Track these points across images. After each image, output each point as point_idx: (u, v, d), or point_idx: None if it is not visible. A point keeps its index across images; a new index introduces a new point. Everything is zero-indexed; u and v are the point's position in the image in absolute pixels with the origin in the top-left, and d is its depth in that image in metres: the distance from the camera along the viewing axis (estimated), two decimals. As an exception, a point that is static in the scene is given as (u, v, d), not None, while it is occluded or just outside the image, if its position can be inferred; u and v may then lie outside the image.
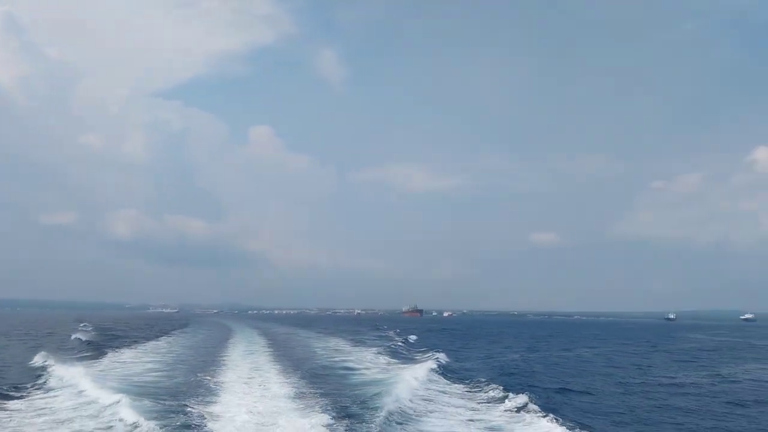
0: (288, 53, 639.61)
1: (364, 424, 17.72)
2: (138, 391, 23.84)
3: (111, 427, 17.74)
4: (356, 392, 24.59)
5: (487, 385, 27.47)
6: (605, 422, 20.82)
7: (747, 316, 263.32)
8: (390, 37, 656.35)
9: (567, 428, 17.74)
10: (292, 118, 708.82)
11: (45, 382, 26.79)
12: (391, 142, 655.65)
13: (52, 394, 23.83)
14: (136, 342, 54.08)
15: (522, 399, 22.33)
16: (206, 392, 23.74)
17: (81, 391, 23.54)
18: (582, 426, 18.46)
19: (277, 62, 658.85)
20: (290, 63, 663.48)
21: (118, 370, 32.31)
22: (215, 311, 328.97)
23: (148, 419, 17.50)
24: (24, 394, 23.62)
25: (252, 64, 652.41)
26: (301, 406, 20.81)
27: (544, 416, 19.29)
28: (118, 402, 20.29)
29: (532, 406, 20.95)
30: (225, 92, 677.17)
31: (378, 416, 18.66)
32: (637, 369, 39.51)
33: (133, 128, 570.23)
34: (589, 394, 27.67)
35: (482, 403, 23.41)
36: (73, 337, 58.72)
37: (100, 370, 31.22)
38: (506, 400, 22.91)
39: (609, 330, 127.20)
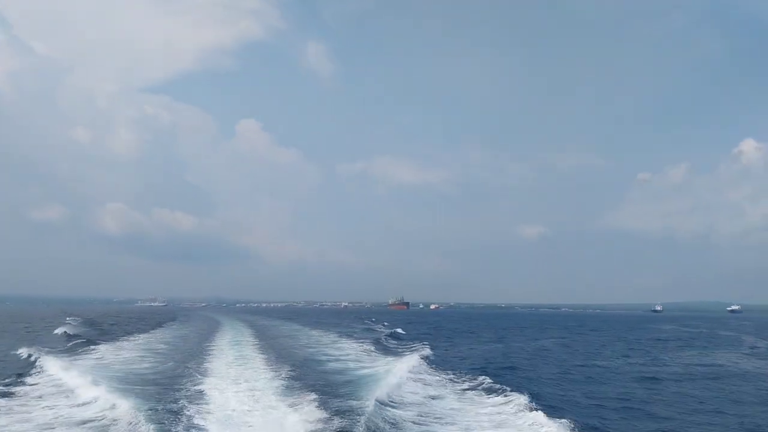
0: (276, 48, 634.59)
1: (352, 415, 17.84)
2: (125, 383, 23.92)
3: (97, 419, 17.77)
4: (344, 384, 24.79)
5: (471, 375, 28.11)
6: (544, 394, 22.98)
7: (733, 307, 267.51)
8: (377, 31, 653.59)
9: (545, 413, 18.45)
10: (280, 112, 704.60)
11: (30, 375, 26.68)
12: (378, 135, 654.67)
13: (36, 387, 23.74)
14: (123, 335, 53.99)
15: (509, 392, 23.03)
16: (194, 384, 23.85)
17: (66, 385, 23.54)
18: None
19: (265, 57, 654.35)
20: (278, 57, 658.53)
21: (104, 363, 32.28)
22: (203, 305, 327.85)
23: (136, 412, 17.55)
24: (8, 388, 23.44)
25: (240, 58, 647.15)
26: (289, 397, 20.94)
27: (531, 410, 19.41)
28: (105, 395, 20.32)
29: (518, 399, 21.32)
30: (213, 87, 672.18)
31: (366, 407, 18.78)
32: (586, 355, 43.51)
33: (121, 123, 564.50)
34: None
35: (467, 393, 23.83)
36: (59, 331, 58.37)
37: (86, 364, 31.16)
38: (492, 393, 23.41)
39: (587, 321, 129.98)
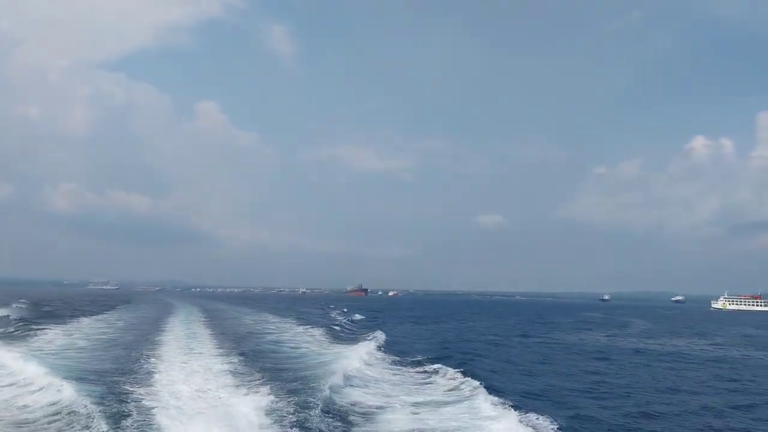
0: (237, 27, 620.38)
1: (307, 400, 17.88)
2: (73, 368, 23.48)
3: (43, 405, 17.43)
4: (299, 370, 24.86)
5: (423, 359, 29.06)
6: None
7: (677, 298, 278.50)
8: (341, 14, 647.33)
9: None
10: (239, 94, 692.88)
11: None
12: (339, 120, 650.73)
13: None
14: (73, 319, 52.60)
15: (457, 374, 23.99)
16: (145, 370, 23.50)
17: (11, 369, 22.95)
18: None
19: (225, 36, 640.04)
20: (239, 37, 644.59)
21: (52, 347, 31.55)
22: (157, 289, 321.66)
23: (83, 397, 17.26)
24: None
25: (199, 37, 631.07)
26: (243, 384, 20.83)
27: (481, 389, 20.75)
28: (52, 380, 19.93)
29: (469, 381, 22.46)
30: (171, 65, 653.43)
31: (321, 394, 18.89)
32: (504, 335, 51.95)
33: (74, 100, 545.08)
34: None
35: (419, 377, 24.45)
36: (5, 313, 56.46)
37: (33, 348, 30.44)
38: (443, 376, 24.23)
39: (528, 308, 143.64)
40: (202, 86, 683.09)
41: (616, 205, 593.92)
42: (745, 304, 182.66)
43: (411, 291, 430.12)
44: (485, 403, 18.75)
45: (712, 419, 19.40)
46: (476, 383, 21.79)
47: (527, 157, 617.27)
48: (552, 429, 15.68)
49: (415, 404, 19.22)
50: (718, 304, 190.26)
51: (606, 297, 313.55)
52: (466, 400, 19.72)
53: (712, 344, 48.85)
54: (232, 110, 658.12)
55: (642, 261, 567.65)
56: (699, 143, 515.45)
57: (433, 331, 54.36)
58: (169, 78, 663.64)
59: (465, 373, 24.16)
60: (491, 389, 20.65)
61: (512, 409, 17.34)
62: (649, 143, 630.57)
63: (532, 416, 16.52)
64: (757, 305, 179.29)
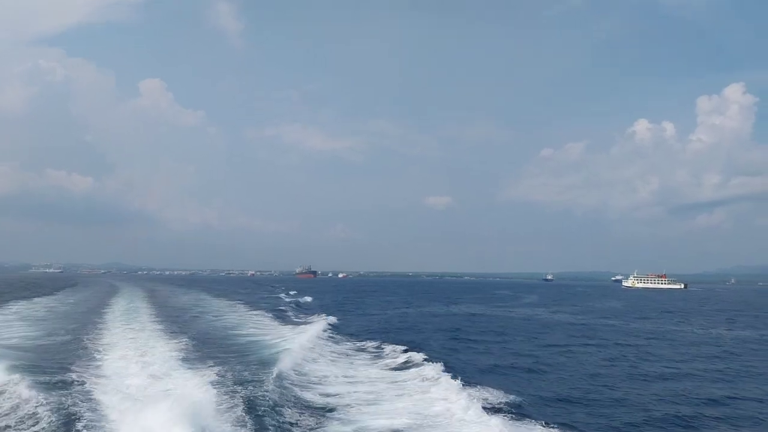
0: (182, 2, 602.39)
1: (256, 382, 17.99)
2: (16, 356, 22.87)
3: None
4: (247, 354, 25.00)
5: (370, 340, 30.20)
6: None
7: (617, 277, 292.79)
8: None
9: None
10: (185, 71, 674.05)
11: None
12: (285, 100, 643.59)
13: None
14: (15, 303, 51.26)
15: (401, 353, 25.28)
16: (93, 356, 23.25)
17: None
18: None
19: (169, 11, 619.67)
20: (183, 12, 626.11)
21: None
22: (103, 272, 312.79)
23: (30, 387, 16.83)
24: None
25: (142, 11, 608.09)
26: (192, 368, 20.77)
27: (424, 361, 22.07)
28: None
29: (414, 356, 24.19)
30: (112, 41, 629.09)
31: (269, 377, 18.98)
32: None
33: (9, 77, 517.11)
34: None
35: (366, 357, 25.35)
36: None
37: None
38: (389, 353, 25.30)
39: (468, 288, 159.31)
40: (146, 63, 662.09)
41: (562, 186, 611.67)
42: (652, 282, 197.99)
43: (362, 273, 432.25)
44: (426, 372, 20.57)
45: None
46: (420, 357, 23.40)
47: (474, 139, 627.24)
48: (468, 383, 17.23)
49: (362, 379, 20.20)
50: (629, 282, 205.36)
51: (549, 277, 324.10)
52: (408, 372, 21.24)
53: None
54: (177, 88, 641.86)
55: (586, 242, 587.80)
56: (642, 126, 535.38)
57: (382, 313, 55.57)
58: (111, 54, 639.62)
59: (409, 350, 25.80)
60: (434, 362, 22.32)
61: (451, 378, 19.15)
62: (593, 125, 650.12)
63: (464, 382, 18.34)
64: (662, 283, 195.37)
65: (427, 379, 20.07)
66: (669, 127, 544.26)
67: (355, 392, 18.46)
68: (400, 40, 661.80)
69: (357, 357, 25.88)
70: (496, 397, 17.86)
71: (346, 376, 21.09)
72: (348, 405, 16.84)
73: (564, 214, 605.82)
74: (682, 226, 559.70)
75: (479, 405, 15.96)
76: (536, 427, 14.76)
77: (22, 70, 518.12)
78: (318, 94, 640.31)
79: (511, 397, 17.91)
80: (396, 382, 20.25)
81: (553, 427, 14.82)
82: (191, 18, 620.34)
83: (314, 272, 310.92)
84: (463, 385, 18.38)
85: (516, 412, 16.23)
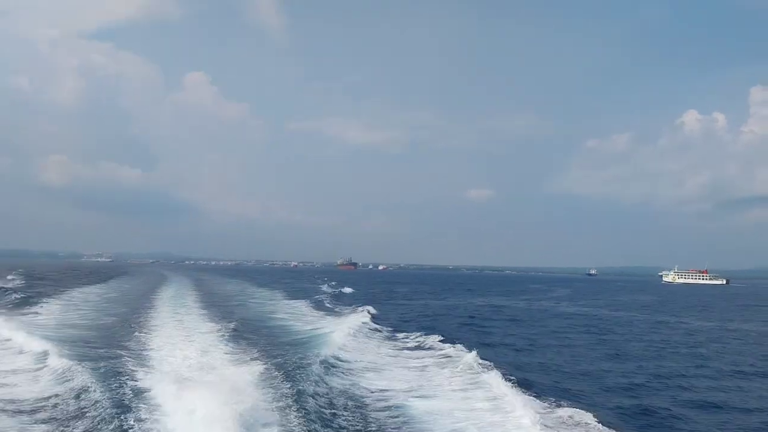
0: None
1: (299, 370, 18.17)
2: (72, 339, 23.84)
3: (41, 378, 17.56)
4: (290, 342, 25.34)
5: (411, 332, 30.10)
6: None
7: (664, 272, 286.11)
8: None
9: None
10: (229, 65, 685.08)
11: None
12: (326, 92, 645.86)
13: None
14: (70, 290, 53.13)
15: (445, 344, 25.00)
16: (141, 342, 23.81)
17: (8, 341, 23.13)
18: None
19: (214, 5, 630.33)
20: (227, 6, 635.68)
21: (47, 319, 31.88)
22: (152, 261, 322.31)
23: (81, 369, 17.35)
24: None
25: (187, 5, 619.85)
26: (237, 354, 21.19)
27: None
28: (48, 351, 20.15)
29: (457, 349, 23.71)
30: (158, 35, 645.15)
31: (312, 365, 19.16)
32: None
33: (63, 71, 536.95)
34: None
35: (407, 346, 25.38)
36: (1, 286, 57.07)
37: (27, 320, 30.79)
38: (431, 345, 25.22)
39: (504, 281, 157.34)
40: (191, 57, 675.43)
41: (607, 178, 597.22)
42: (692, 278, 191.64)
43: (402, 265, 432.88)
44: (472, 365, 20.16)
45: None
46: (464, 350, 22.98)
47: (516, 130, 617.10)
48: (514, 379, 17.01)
49: (404, 369, 20.26)
50: (669, 278, 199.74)
51: (592, 272, 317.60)
52: (454, 365, 20.87)
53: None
54: (222, 81, 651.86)
55: (632, 236, 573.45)
56: (691, 117, 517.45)
57: (423, 305, 55.65)
58: (157, 48, 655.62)
59: (452, 342, 25.51)
60: (480, 356, 21.48)
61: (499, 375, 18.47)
62: (640, 116, 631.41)
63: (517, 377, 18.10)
64: (703, 279, 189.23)
65: (473, 374, 19.28)
66: (720, 119, 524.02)
67: (392, 378, 18.73)
68: (441, 31, 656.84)
69: (395, 345, 26.05)
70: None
71: (384, 363, 21.31)
72: (387, 390, 17.08)
73: (609, 207, 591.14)
74: (732, 220, 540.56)
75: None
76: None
77: (75, 64, 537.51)
78: (358, 86, 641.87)
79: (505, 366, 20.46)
80: (425, 366, 20.33)
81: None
82: (235, 11, 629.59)
83: (355, 264, 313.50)
84: (505, 377, 18.35)
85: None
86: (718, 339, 34.95)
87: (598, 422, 13.92)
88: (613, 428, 13.81)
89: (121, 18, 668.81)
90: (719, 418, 16.74)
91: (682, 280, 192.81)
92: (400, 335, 29.41)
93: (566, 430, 13.57)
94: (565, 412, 14.78)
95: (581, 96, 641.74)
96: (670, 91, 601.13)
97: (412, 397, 16.61)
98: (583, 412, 14.69)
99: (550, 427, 13.45)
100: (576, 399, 17.17)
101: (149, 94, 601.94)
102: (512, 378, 18.17)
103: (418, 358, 22.85)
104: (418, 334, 28.95)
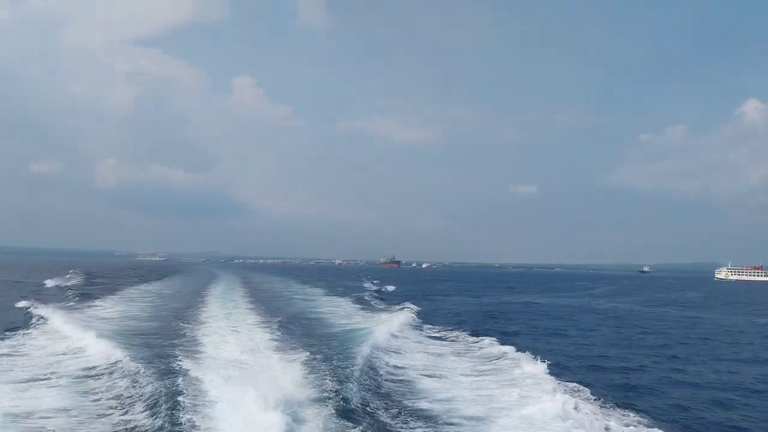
0: (269, 1, 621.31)
1: (344, 366, 18.55)
2: (124, 334, 24.96)
3: (96, 368, 18.42)
4: (336, 337, 25.91)
5: (453, 328, 30.45)
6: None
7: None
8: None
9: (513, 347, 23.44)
10: (274, 67, 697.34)
11: (31, 326, 27.33)
12: (368, 92, 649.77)
13: (37, 338, 24.29)
14: (123, 288, 55.24)
15: (492, 342, 25.37)
16: (190, 336, 24.67)
17: (66, 335, 24.22)
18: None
19: (258, 8, 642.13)
20: (273, 9, 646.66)
21: (104, 314, 33.33)
22: (203, 260, 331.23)
23: (138, 363, 18.16)
24: (10, 338, 23.91)
25: (232, 9, 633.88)
26: (283, 349, 21.64)
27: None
28: (103, 345, 21.17)
29: (504, 348, 23.74)
30: (204, 40, 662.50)
31: (357, 359, 19.62)
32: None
33: (114, 77, 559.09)
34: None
35: (452, 344, 25.66)
36: (61, 283, 59.47)
37: (86, 315, 32.14)
38: (476, 343, 25.49)
39: (549, 279, 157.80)
40: (237, 60, 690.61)
41: (661, 172, 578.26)
42: (746, 275, 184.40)
43: (446, 263, 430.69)
44: (523, 366, 19.96)
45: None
46: (510, 349, 22.92)
47: (563, 124, 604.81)
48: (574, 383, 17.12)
49: (449, 369, 20.24)
50: (721, 275, 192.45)
51: (646, 269, 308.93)
52: (501, 363, 21.03)
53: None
54: (268, 83, 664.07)
55: (689, 231, 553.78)
56: (751, 107, 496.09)
57: (468, 303, 55.65)
58: (204, 53, 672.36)
59: (500, 342, 25.36)
60: (531, 356, 21.23)
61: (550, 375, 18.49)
62: (695, 107, 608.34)
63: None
64: (758, 275, 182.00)
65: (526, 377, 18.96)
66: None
67: (438, 378, 18.82)
68: (481, 25, 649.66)
69: (437, 342, 26.31)
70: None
71: (427, 363, 21.45)
72: (436, 388, 17.28)
73: (664, 202, 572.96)
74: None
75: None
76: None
77: (126, 70, 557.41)
78: (400, 84, 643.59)
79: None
80: (482, 369, 20.45)
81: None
82: (279, 14, 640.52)
83: (398, 262, 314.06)
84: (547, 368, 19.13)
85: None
86: (739, 334, 35.45)
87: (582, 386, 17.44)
88: (602, 399, 16.18)
89: (169, 24, 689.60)
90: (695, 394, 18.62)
91: (735, 277, 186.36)
92: (439, 331, 29.75)
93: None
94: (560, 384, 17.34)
95: (633, 87, 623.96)
96: (728, 80, 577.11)
97: (461, 392, 16.69)
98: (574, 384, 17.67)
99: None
100: (575, 378, 19.04)
101: (198, 97, 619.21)
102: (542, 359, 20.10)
103: (463, 356, 22.97)
104: (454, 329, 29.29)
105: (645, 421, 14.42)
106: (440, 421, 14.09)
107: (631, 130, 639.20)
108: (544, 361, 19.80)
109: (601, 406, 15.44)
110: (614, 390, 18.34)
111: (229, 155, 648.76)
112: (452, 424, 13.93)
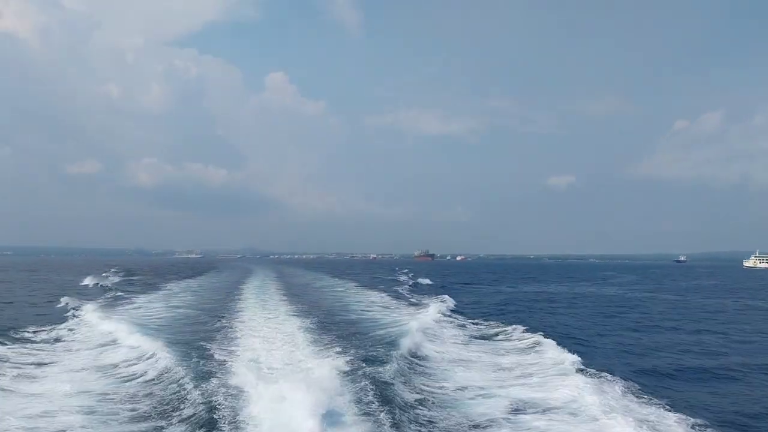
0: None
1: (382, 360, 18.37)
2: (163, 330, 25.18)
3: (135, 365, 18.58)
4: (372, 332, 25.62)
5: (490, 321, 30.01)
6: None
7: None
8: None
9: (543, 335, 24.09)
10: (306, 63, 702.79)
11: (71, 324, 27.70)
12: (403, 86, 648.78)
13: (78, 335, 24.65)
14: (161, 285, 56.27)
15: (532, 335, 24.66)
16: (227, 332, 24.63)
17: (106, 332, 24.56)
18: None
19: (290, 6, 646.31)
20: (304, 7, 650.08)
21: (143, 311, 33.87)
22: (238, 256, 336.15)
23: (175, 360, 18.21)
24: (51, 336, 24.25)
25: (264, 7, 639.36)
26: (320, 345, 21.44)
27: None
28: (143, 342, 21.37)
29: (539, 339, 23.37)
30: (238, 38, 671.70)
31: (395, 353, 19.44)
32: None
33: (149, 77, 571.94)
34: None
35: (488, 336, 25.23)
36: (100, 281, 60.53)
37: (125, 312, 32.64)
38: (510, 334, 25.03)
39: (578, 269, 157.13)
40: (269, 57, 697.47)
41: (697, 160, 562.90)
42: None
43: (481, 255, 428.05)
44: (554, 356, 19.91)
45: None
46: (548, 341, 22.63)
47: (598, 114, 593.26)
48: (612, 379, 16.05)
49: (487, 363, 19.72)
50: (750, 263, 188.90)
51: (682, 258, 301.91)
52: (537, 355, 20.67)
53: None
54: (300, 80, 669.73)
55: (726, 220, 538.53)
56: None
57: (504, 294, 54.99)
58: (237, 50, 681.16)
59: (535, 331, 25.03)
60: (563, 347, 21.08)
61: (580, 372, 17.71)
62: (733, 94, 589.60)
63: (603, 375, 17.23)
64: None
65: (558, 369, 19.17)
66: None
67: (478, 373, 18.35)
68: (518, 16, 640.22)
69: (478, 338, 25.68)
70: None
71: (466, 356, 21.03)
72: (469, 384, 16.79)
73: (701, 191, 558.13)
74: None
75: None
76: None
77: (161, 69, 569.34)
78: (434, 77, 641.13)
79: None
80: (520, 361, 19.91)
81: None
82: (311, 11, 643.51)
83: (432, 255, 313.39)
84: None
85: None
86: (732, 316, 37.73)
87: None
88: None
89: (202, 23, 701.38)
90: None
91: (764, 265, 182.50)
92: (474, 324, 29.33)
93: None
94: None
95: (668, 75, 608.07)
96: (766, 64, 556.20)
97: (496, 387, 16.27)
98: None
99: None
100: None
101: (232, 95, 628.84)
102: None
103: (501, 353, 22.52)
104: (496, 323, 28.73)
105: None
106: (476, 414, 13.80)
107: (667, 118, 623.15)
108: (573, 353, 19.90)
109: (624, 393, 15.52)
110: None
111: (264, 152, 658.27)
112: (493, 419, 13.49)
